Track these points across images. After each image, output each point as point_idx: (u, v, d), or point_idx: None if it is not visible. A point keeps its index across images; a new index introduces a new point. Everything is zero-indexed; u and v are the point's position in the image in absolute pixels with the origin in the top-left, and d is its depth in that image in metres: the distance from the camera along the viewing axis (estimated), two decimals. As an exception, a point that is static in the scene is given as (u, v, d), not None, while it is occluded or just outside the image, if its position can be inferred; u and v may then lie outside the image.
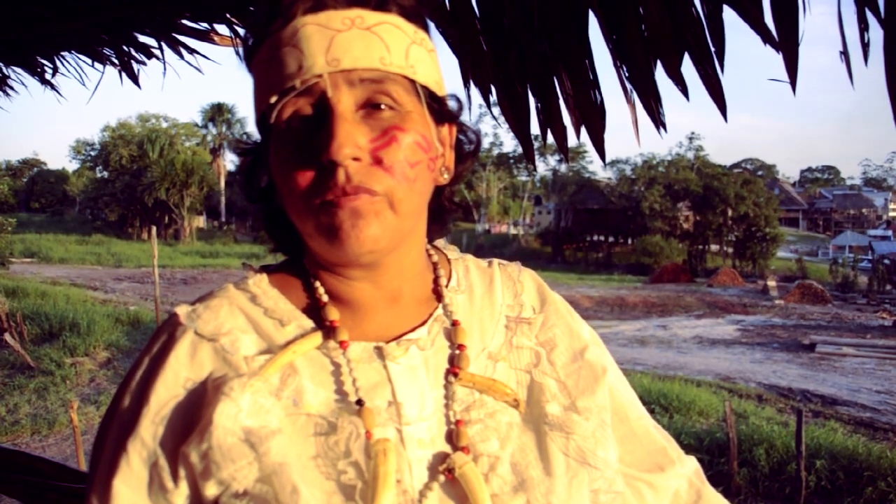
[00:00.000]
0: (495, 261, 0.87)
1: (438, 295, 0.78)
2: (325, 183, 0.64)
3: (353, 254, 0.65)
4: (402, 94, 0.66)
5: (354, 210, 0.64)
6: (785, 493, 5.87)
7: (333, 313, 0.72)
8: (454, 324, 0.76)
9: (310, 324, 0.72)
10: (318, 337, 0.71)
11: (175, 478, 0.65)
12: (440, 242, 0.85)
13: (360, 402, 0.68)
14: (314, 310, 0.73)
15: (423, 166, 0.68)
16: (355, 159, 0.63)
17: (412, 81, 0.68)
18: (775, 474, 6.11)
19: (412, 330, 0.74)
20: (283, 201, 0.69)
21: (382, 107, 0.65)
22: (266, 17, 0.66)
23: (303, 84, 0.64)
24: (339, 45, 0.63)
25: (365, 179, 0.64)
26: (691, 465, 0.89)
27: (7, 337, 9.62)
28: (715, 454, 6.35)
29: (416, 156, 0.67)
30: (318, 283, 0.74)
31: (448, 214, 0.80)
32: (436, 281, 0.79)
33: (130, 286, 21.62)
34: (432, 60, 0.71)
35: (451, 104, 0.74)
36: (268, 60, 0.66)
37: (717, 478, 6.00)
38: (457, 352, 0.74)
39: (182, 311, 0.73)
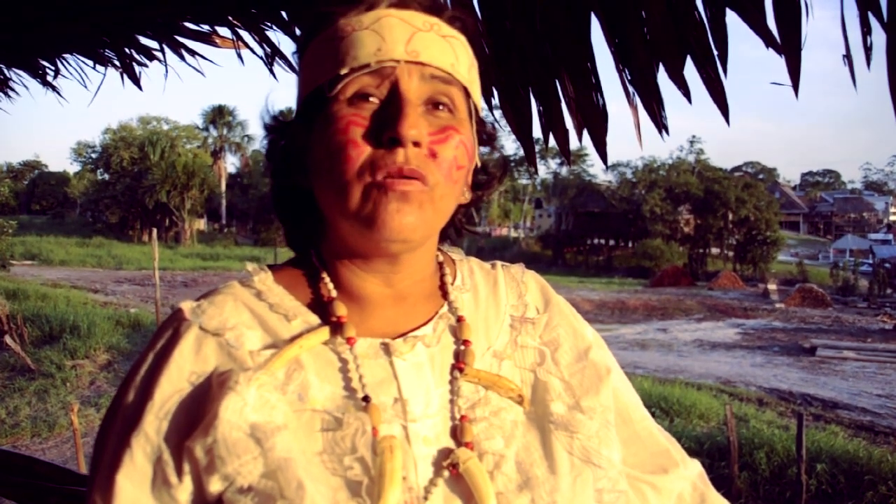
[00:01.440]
0: (498, 263, 0.88)
1: (444, 293, 0.79)
2: (380, 161, 0.65)
3: (387, 238, 0.67)
4: (460, 101, 0.71)
5: (404, 194, 0.65)
6: (786, 496, 5.86)
7: (341, 309, 0.72)
8: (459, 320, 0.76)
9: (316, 319, 0.73)
10: (325, 332, 0.71)
11: (179, 473, 0.65)
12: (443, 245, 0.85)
13: (366, 399, 0.68)
14: (320, 306, 0.74)
15: (463, 173, 0.72)
16: (416, 144, 0.66)
17: (468, 95, 0.72)
18: (776, 478, 6.10)
19: (418, 327, 0.75)
20: (317, 179, 0.70)
21: (441, 107, 0.69)
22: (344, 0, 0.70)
23: (378, 64, 0.67)
24: (419, 41, 0.68)
25: (421, 165, 0.66)
26: (695, 467, 0.89)
27: (7, 339, 9.61)
28: (715, 458, 6.34)
29: (462, 159, 0.70)
30: (326, 278, 0.75)
31: (458, 234, 0.82)
32: (441, 279, 0.80)
33: (131, 288, 21.62)
34: (479, 85, 0.76)
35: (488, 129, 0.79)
36: (339, 38, 0.68)
37: (717, 481, 5.93)
38: (462, 347, 0.74)
39: (186, 306, 0.72)
